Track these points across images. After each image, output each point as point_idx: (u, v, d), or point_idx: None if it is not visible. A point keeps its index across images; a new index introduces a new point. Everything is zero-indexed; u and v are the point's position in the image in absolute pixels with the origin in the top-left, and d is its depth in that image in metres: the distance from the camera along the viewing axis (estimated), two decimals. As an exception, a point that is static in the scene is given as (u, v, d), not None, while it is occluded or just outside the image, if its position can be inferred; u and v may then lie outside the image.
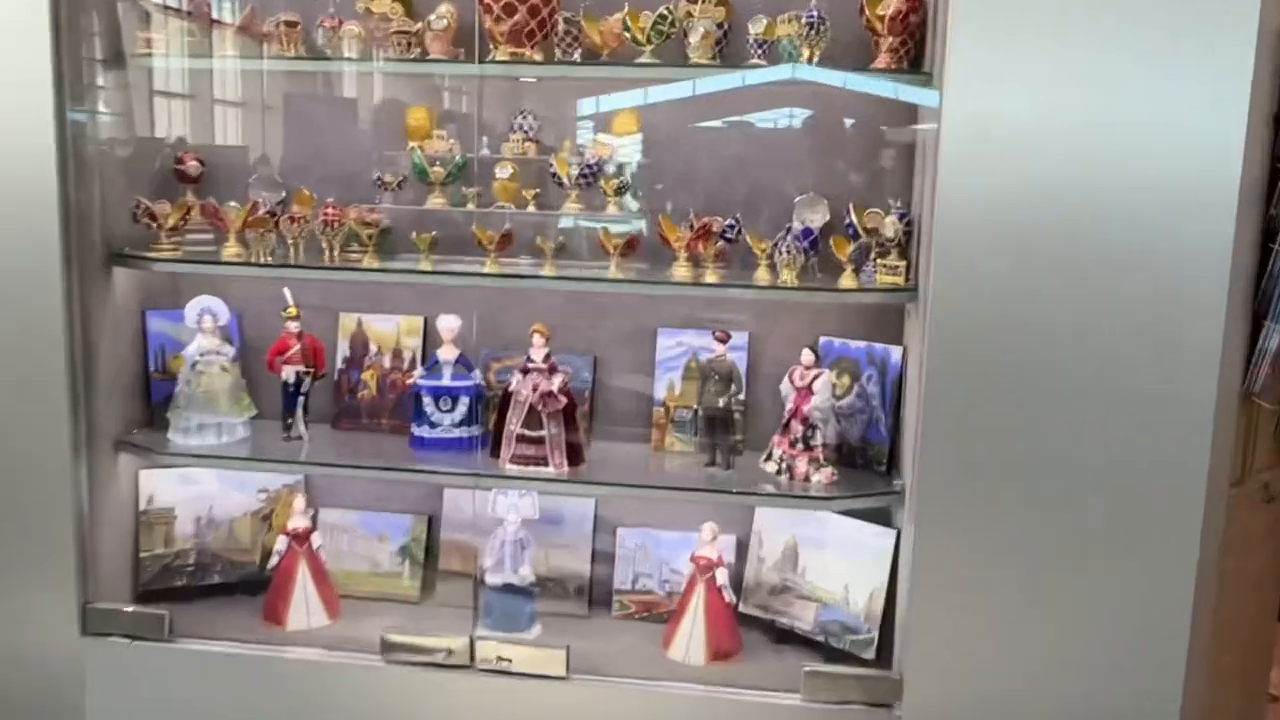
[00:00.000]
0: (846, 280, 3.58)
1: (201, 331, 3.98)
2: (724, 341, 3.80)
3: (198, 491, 4.22)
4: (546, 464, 3.79)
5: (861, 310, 3.98)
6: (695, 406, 3.90)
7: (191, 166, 4.12)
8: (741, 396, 3.85)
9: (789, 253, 3.56)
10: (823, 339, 4.01)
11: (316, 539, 4.10)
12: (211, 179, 4.25)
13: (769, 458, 3.81)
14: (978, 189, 3.09)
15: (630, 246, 3.65)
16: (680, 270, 3.69)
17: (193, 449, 3.92)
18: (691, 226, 3.73)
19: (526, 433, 3.79)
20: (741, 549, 4.14)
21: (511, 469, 3.79)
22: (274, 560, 4.05)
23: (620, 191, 3.82)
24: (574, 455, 3.84)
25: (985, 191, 3.08)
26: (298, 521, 4.08)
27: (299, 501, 4.09)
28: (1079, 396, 3.13)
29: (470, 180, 3.88)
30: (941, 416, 3.24)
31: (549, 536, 4.21)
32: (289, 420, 4.03)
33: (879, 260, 3.65)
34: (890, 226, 3.60)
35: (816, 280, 3.73)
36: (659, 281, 3.68)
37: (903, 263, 3.61)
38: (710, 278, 3.63)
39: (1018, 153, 3.05)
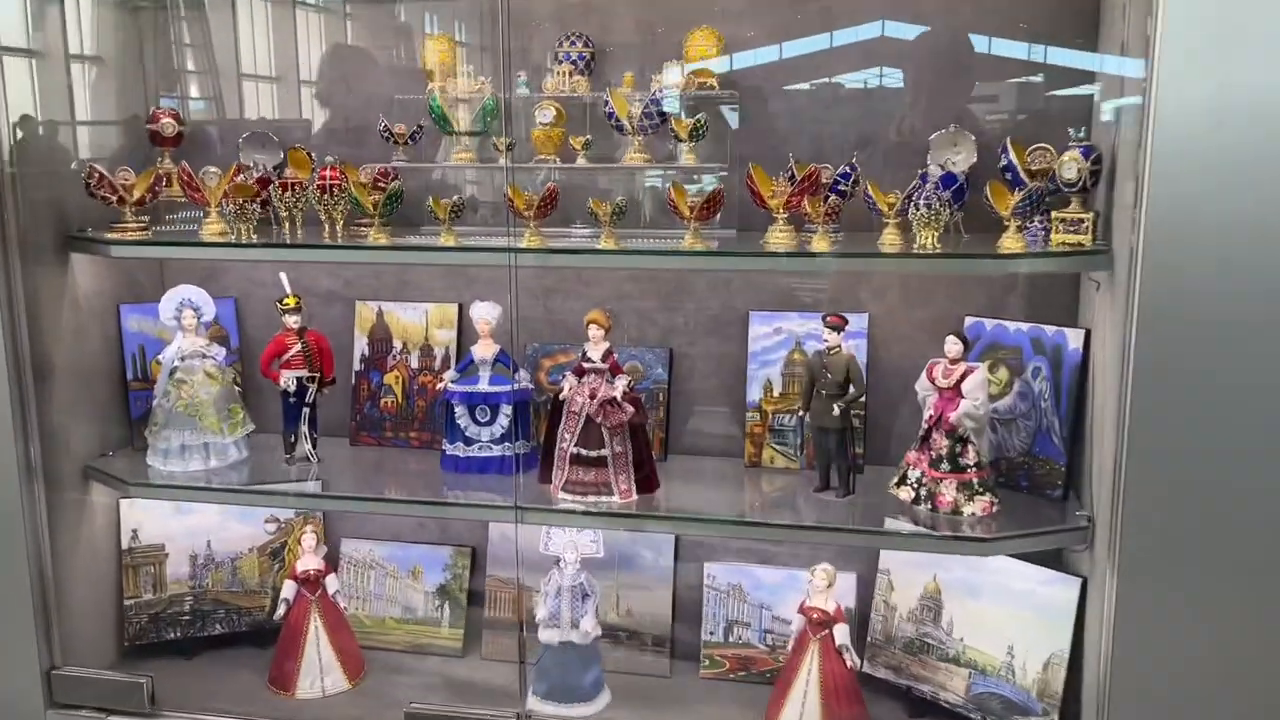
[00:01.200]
0: (1010, 242, 2.61)
1: (181, 330, 3.21)
2: (838, 329, 2.88)
3: (193, 523, 3.48)
4: (610, 492, 2.93)
5: (1022, 282, 3.02)
6: (800, 411, 2.98)
7: (166, 125, 3.34)
8: (862, 400, 2.92)
9: (929, 207, 2.60)
10: (969, 320, 3.06)
11: (332, 583, 3.32)
12: (199, 142, 3.48)
13: (902, 481, 2.88)
14: (1212, 102, 2.11)
15: (712, 207, 2.74)
16: (779, 236, 2.78)
17: (174, 477, 3.16)
18: (792, 177, 2.81)
19: (583, 452, 2.93)
20: (864, 587, 3.23)
21: (565, 499, 2.94)
22: (281, 610, 3.28)
23: (697, 136, 2.90)
24: (645, 479, 2.97)
25: (1224, 104, 2.10)
26: (308, 563, 3.30)
27: (308, 539, 3.31)
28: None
29: (504, 128, 2.98)
30: (1154, 426, 2.31)
31: (619, 575, 3.36)
32: (291, 439, 3.24)
33: (1055, 214, 2.67)
34: (1071, 166, 2.62)
35: (963, 243, 2.77)
36: (751, 253, 2.76)
37: (1088, 216, 2.63)
38: (819, 244, 2.70)
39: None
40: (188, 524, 3.48)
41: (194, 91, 3.59)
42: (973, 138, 2.92)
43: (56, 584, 3.16)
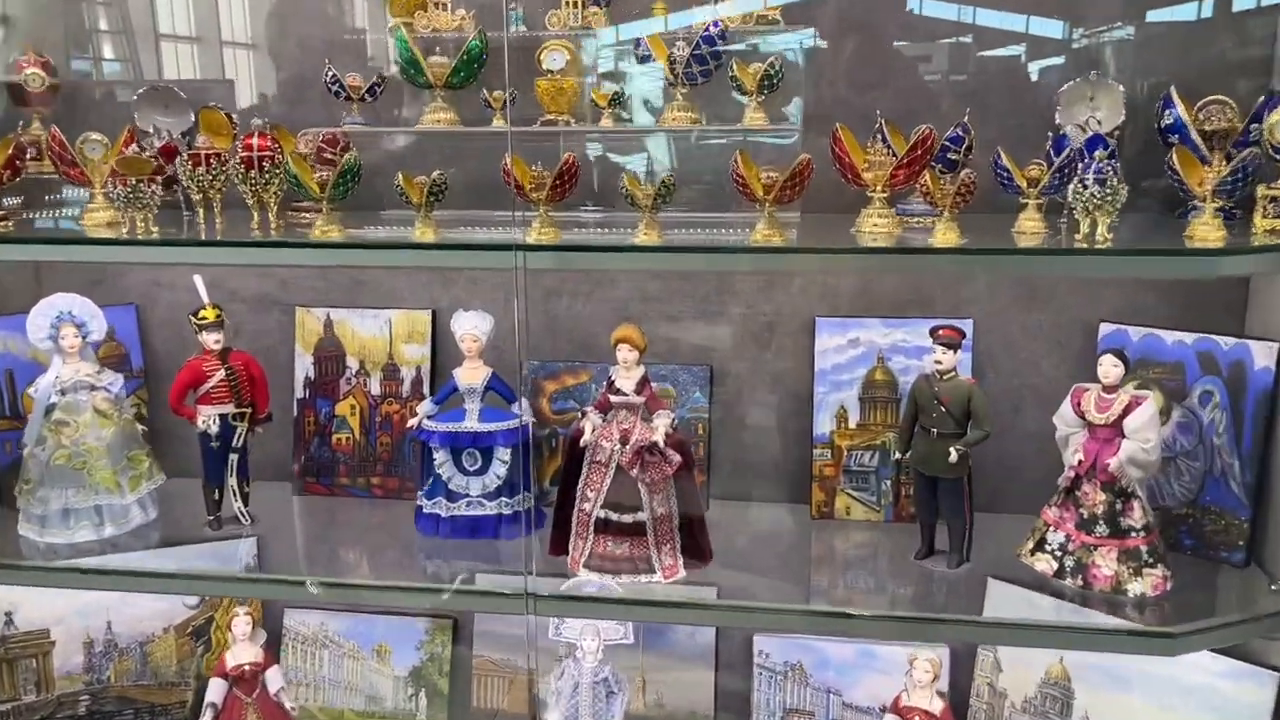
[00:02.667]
0: (1207, 230, 1.90)
1: (60, 353, 2.38)
2: (955, 346, 2.16)
3: (89, 600, 2.69)
4: (650, 568, 2.19)
5: (1174, 282, 2.32)
6: (897, 453, 2.27)
7: (31, 76, 2.48)
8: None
9: (1101, 184, 1.88)
10: (1106, 328, 2.36)
11: (274, 679, 2.54)
12: (78, 101, 2.63)
13: (1039, 546, 2.18)
14: None
15: (797, 184, 1.98)
16: (878, 222, 2.04)
17: (55, 553, 2.34)
18: (883, 142, 2.07)
19: (614, 516, 2.19)
20: (959, 664, 2.54)
21: (587, 580, 2.18)
22: (207, 716, 2.49)
23: (770, 85, 2.13)
24: (694, 547, 2.23)
25: None
26: (241, 656, 2.52)
27: (240, 625, 2.51)
28: None
29: (498, 79, 2.20)
30: None
31: (645, 654, 2.64)
32: (215, 494, 2.43)
33: (1261, 190, 1.96)
34: (1292, 125, 1.91)
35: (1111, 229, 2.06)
36: (854, 250, 1.99)
37: (1304, 194, 1.93)
38: (946, 236, 1.97)
39: None
40: (81, 601, 2.68)
41: (106, 52, 2.73)
42: (1120, 89, 2.21)
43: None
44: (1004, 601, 2.14)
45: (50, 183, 2.52)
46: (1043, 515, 2.19)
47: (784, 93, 2.24)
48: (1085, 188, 1.89)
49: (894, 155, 2.06)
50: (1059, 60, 2.34)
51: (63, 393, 2.38)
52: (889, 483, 2.46)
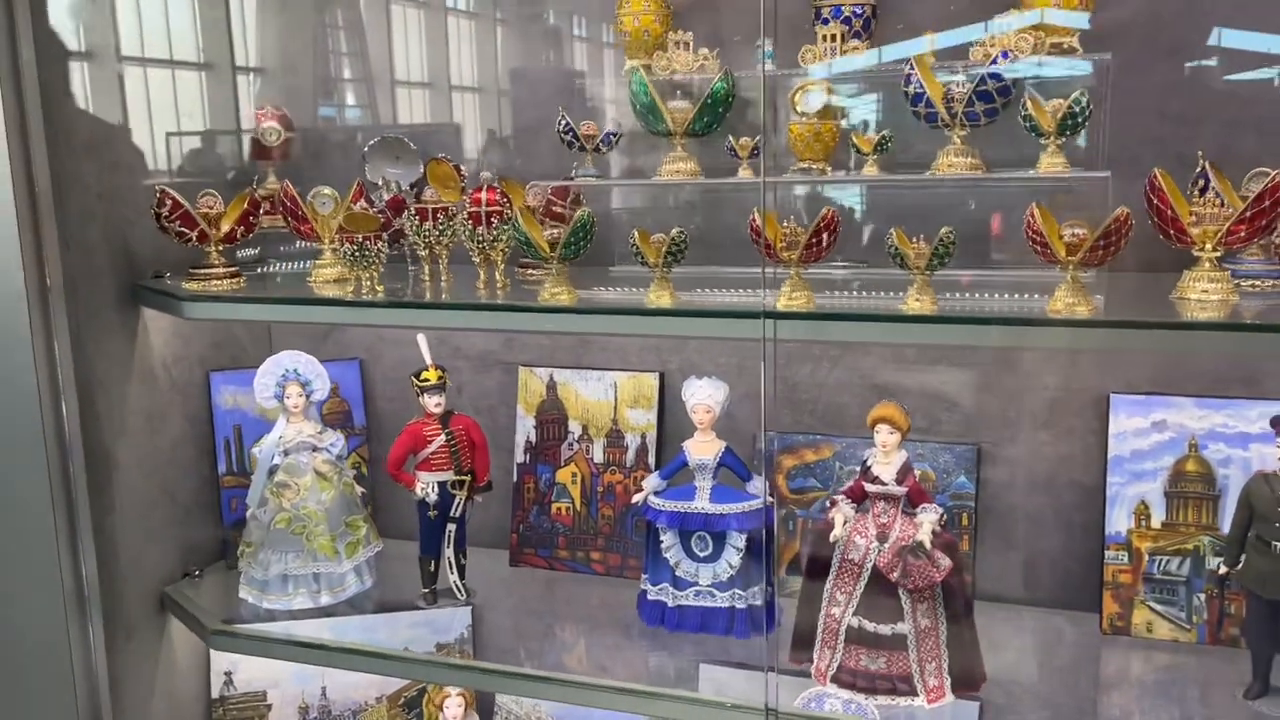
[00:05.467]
0: None
1: (285, 412, 2.32)
2: (1306, 440, 1.73)
3: (304, 666, 2.58)
4: (911, 690, 1.86)
5: None
6: (1223, 567, 1.86)
7: (268, 131, 2.46)
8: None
9: None
10: None
11: (485, 765, 2.36)
12: (314, 152, 2.61)
13: None
14: None
15: (1113, 243, 1.63)
16: (1206, 287, 1.66)
17: (273, 617, 2.27)
18: (1204, 188, 1.69)
19: (869, 627, 1.88)
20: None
21: (837, 696, 1.88)
22: (416, 800, 2.35)
23: (1072, 125, 1.79)
24: (964, 667, 1.89)
25: None
26: (451, 738, 2.36)
27: (453, 705, 2.37)
28: None
29: (742, 126, 1.97)
30: None
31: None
32: (431, 568, 2.30)
33: None
34: None
35: None
36: (1203, 324, 1.62)
37: None
38: (1310, 307, 1.56)
39: None
40: (297, 665, 2.58)
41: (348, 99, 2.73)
42: None
43: (120, 748, 2.32)
44: None
45: (285, 235, 2.49)
46: None
47: (1085, 135, 1.89)
48: None
49: (1223, 204, 1.69)
50: None
51: (286, 453, 2.31)
52: (1204, 597, 2.03)
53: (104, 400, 2.25)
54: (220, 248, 2.22)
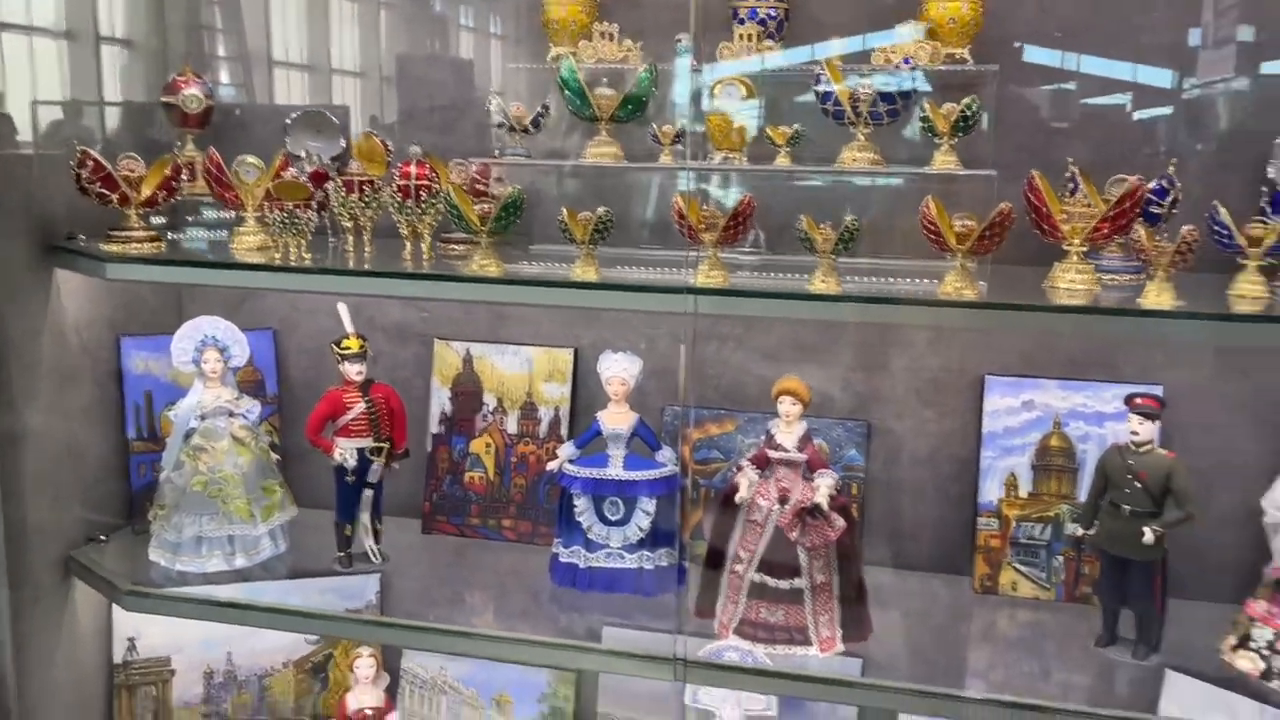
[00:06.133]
0: None
1: (202, 378, 2.34)
2: (1153, 417, 1.98)
3: (210, 630, 2.61)
4: (806, 640, 2.03)
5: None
6: (1081, 530, 2.08)
7: (189, 98, 2.47)
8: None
9: (1343, 246, 1.68)
10: (1315, 401, 2.14)
11: (394, 725, 2.44)
12: (233, 124, 2.62)
13: (1243, 643, 1.96)
14: None
15: (996, 234, 1.82)
16: (1074, 277, 1.87)
17: (185, 580, 2.29)
18: (1073, 190, 1.91)
19: (770, 582, 2.04)
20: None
21: (737, 647, 2.03)
22: (325, 760, 2.41)
23: (964, 128, 1.99)
24: (854, 620, 2.07)
25: None
26: (362, 699, 2.44)
27: (364, 666, 2.43)
28: None
29: (663, 113, 2.10)
30: None
31: (782, 724, 2.47)
32: (347, 530, 2.36)
33: None
34: None
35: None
36: (1046, 307, 1.82)
37: None
38: (1158, 297, 1.78)
39: None
40: (202, 631, 2.61)
41: (225, 78, 2.73)
42: (1345, 139, 2.01)
43: (23, 714, 2.30)
44: (1186, 698, 1.94)
45: (192, 204, 2.50)
46: (1247, 609, 1.97)
47: (973, 137, 2.09)
48: (1330, 250, 1.70)
49: (1089, 205, 1.90)
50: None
51: (203, 418, 2.34)
52: (1062, 559, 2.27)
53: (16, 362, 2.23)
54: (140, 211, 2.23)
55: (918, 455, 2.41)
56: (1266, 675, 1.92)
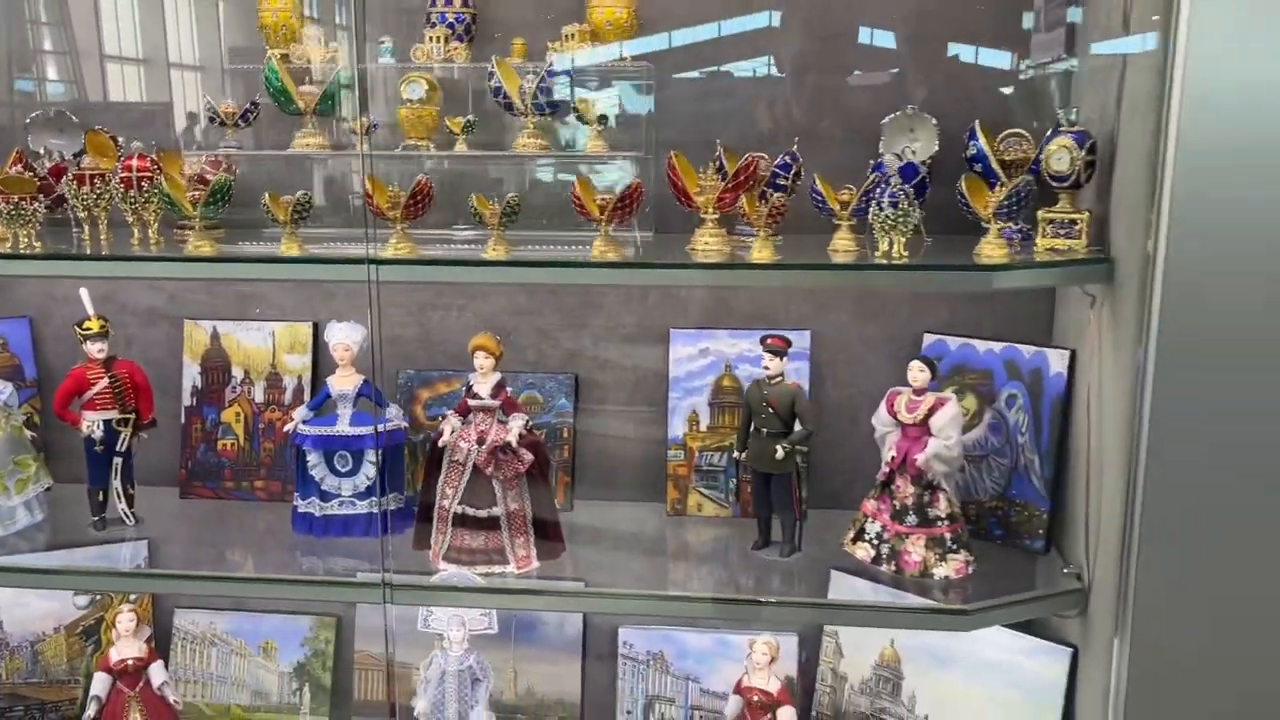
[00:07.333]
0: (991, 249, 2.13)
1: (-50, 363, 2.51)
2: (781, 353, 2.37)
3: (-22, 601, 2.77)
4: (504, 559, 2.36)
5: (991, 295, 2.56)
6: (735, 452, 2.47)
7: (-76, 101, 2.62)
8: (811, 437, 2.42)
9: (895, 207, 2.10)
10: (930, 338, 2.59)
11: (158, 674, 2.67)
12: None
13: (859, 536, 2.39)
14: (1257, 85, 1.71)
15: (628, 205, 2.19)
16: (708, 241, 2.24)
17: (-60, 550, 2.46)
18: (721, 169, 2.29)
19: (470, 511, 2.36)
20: (808, 651, 2.74)
21: (447, 570, 2.35)
22: (91, 710, 2.61)
23: (607, 118, 2.34)
24: (546, 541, 2.41)
25: (1268, 88, 1.70)
26: (124, 651, 2.65)
27: (124, 621, 2.64)
28: None
29: (362, 106, 2.38)
30: (1173, 468, 1.92)
31: (515, 647, 2.80)
32: (100, 496, 2.57)
33: (1041, 213, 2.21)
34: (1063, 155, 2.15)
35: (926, 247, 2.29)
36: (672, 264, 2.21)
37: (1081, 216, 2.18)
38: (761, 253, 2.17)
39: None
40: (-29, 602, 2.77)
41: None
42: (933, 121, 2.45)
43: None
44: (843, 588, 2.34)
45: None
46: (862, 508, 2.40)
47: (630, 123, 2.45)
48: (881, 209, 2.11)
49: (724, 179, 2.28)
50: (891, 96, 2.57)
51: (-48, 399, 2.51)
52: (735, 482, 2.66)
53: None
54: (-122, 207, 2.38)
55: (619, 400, 2.77)
56: (876, 560, 2.34)
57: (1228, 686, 1.95)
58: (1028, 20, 2.49)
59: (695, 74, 2.58)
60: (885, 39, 2.56)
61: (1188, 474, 1.90)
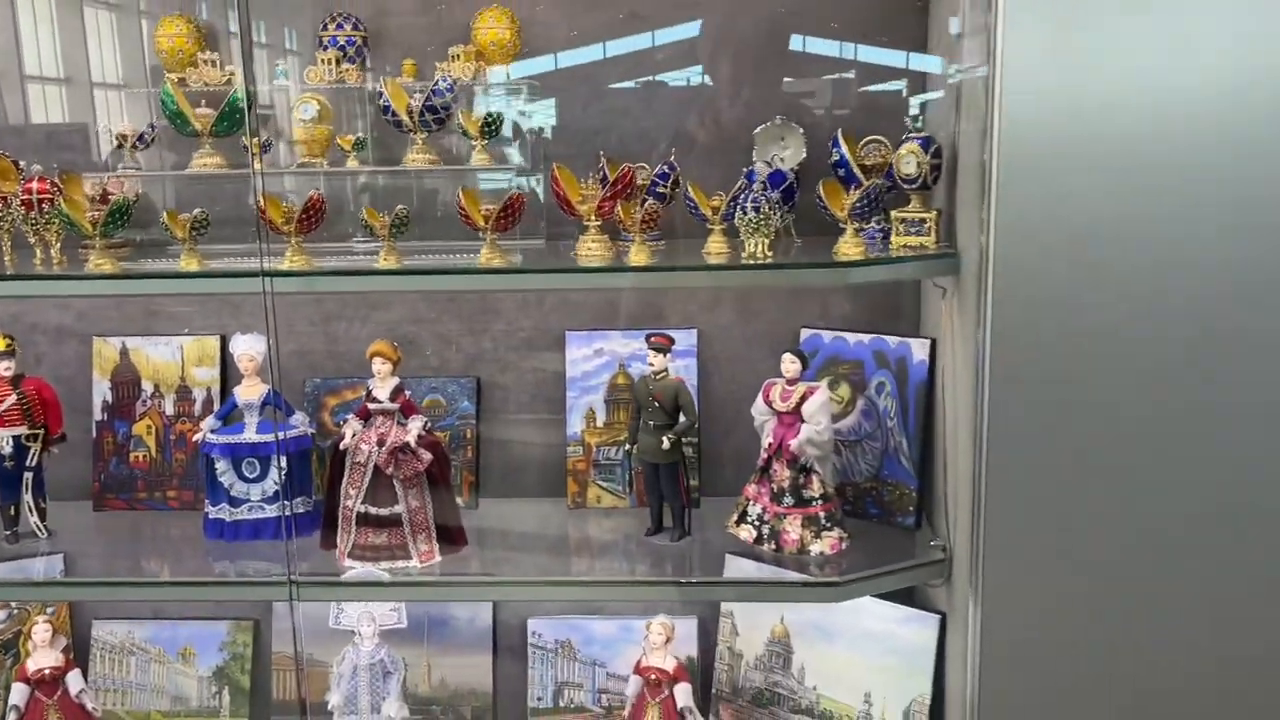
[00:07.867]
0: (847, 247, 2.31)
1: None
2: (664, 350, 2.52)
3: (-108, 620, 2.81)
4: (407, 555, 2.48)
5: (861, 291, 2.75)
6: (627, 445, 2.62)
7: None
8: (694, 430, 2.58)
9: (757, 211, 2.27)
10: (806, 333, 2.76)
11: (75, 682, 2.73)
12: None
13: (742, 518, 2.54)
14: (1065, 86, 1.89)
15: (510, 215, 2.33)
16: (591, 247, 2.39)
17: None
18: (604, 179, 2.43)
19: (373, 510, 2.47)
20: (706, 632, 2.90)
21: (352, 567, 2.46)
22: (10, 719, 2.67)
23: (490, 132, 2.48)
24: (448, 536, 2.53)
25: (1079, 89, 1.89)
26: (41, 661, 2.70)
27: (40, 630, 2.71)
28: (1222, 409, 1.97)
29: (255, 126, 2.49)
30: (1012, 444, 2.10)
31: (428, 641, 2.92)
32: (11, 511, 2.64)
33: (894, 213, 2.39)
34: (910, 159, 2.34)
35: (795, 249, 2.46)
36: (557, 269, 2.36)
37: (929, 215, 2.37)
38: (637, 256, 2.33)
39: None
40: (-115, 621, 2.81)
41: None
42: (800, 130, 2.63)
43: None
44: (734, 570, 2.49)
45: None
46: (744, 491, 2.55)
47: (518, 138, 2.59)
48: (745, 213, 2.28)
49: (604, 188, 2.42)
50: (755, 104, 2.73)
51: None
52: (631, 474, 2.81)
53: None
54: None
55: (520, 401, 2.90)
56: (759, 540, 2.50)
57: (1074, 645, 2.12)
58: (889, 36, 2.68)
59: (582, 91, 2.72)
60: (761, 54, 2.73)
61: (1025, 451, 2.07)
